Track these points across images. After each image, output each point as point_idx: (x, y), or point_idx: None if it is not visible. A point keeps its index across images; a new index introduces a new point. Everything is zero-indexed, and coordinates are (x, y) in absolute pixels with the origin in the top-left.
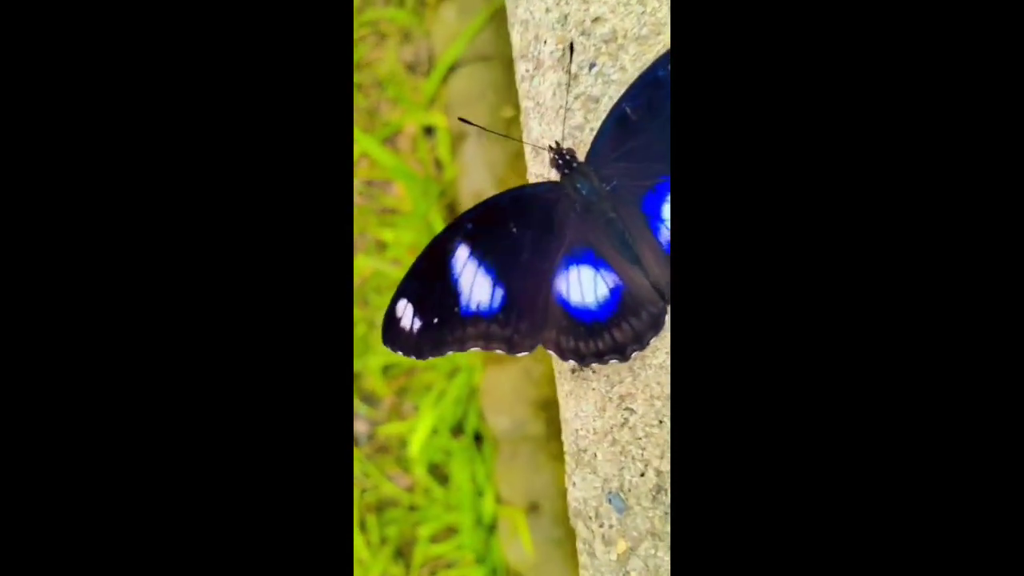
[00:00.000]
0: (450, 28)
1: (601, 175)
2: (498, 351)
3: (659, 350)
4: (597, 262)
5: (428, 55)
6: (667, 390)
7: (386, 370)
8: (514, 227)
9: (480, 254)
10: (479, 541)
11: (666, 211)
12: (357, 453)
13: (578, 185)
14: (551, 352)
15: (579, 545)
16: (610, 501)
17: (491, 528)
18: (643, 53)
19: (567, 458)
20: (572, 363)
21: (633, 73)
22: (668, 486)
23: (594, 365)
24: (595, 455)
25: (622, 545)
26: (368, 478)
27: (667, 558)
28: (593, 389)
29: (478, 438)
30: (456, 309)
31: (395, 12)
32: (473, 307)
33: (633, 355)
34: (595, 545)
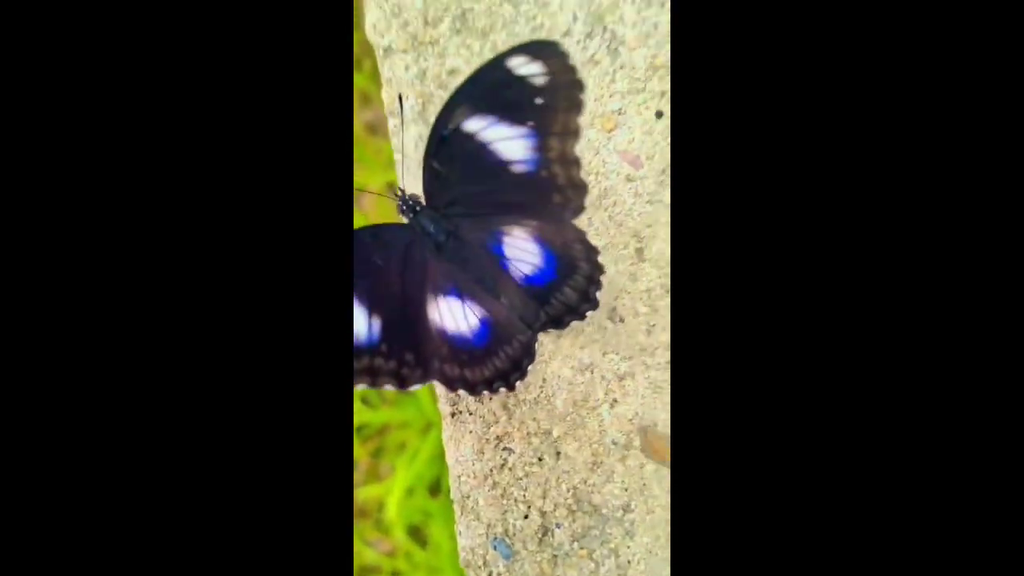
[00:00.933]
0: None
1: (445, 218)
2: (388, 387)
3: (531, 385)
4: (461, 295)
5: (387, 117)
6: (544, 425)
7: (359, 430)
8: (379, 260)
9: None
10: None
11: (508, 251)
12: None
13: (424, 224)
14: (438, 383)
15: None
16: (495, 547)
17: None
18: None
19: (454, 506)
20: (451, 407)
21: None
22: (553, 527)
23: (471, 406)
24: (477, 501)
25: None
26: None
27: None
28: (470, 432)
29: None
30: None
31: (354, 77)
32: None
33: (517, 384)
34: None
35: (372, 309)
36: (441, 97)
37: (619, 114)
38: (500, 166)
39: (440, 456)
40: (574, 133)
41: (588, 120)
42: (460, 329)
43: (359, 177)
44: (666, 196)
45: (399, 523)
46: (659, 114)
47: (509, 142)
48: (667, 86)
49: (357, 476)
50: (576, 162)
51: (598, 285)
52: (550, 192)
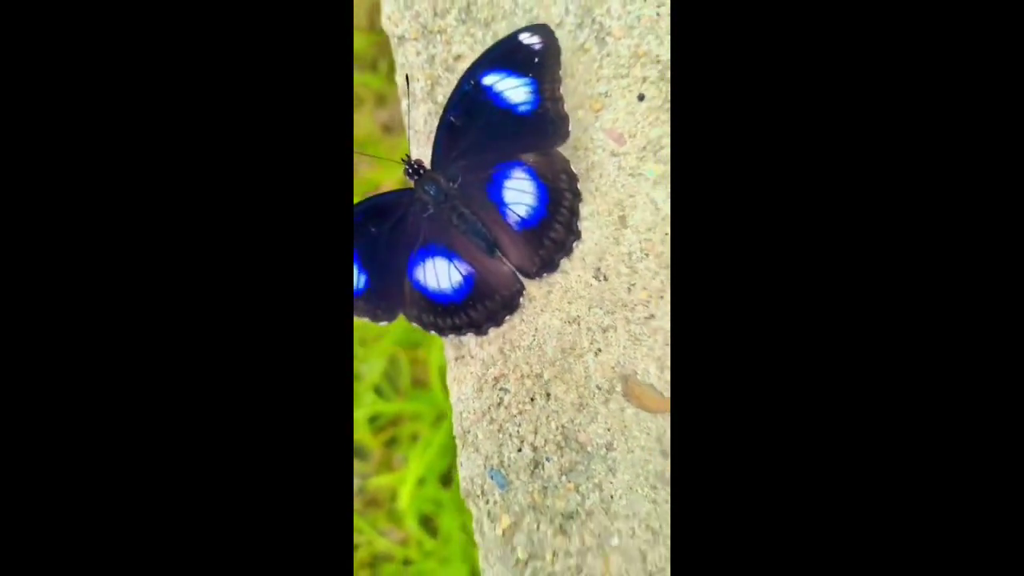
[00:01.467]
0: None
1: (447, 176)
2: (365, 319)
3: (525, 333)
4: (450, 255)
5: (402, 116)
6: (536, 369)
7: (372, 420)
8: (372, 228)
9: None
10: None
11: (507, 196)
12: None
13: (426, 188)
14: (415, 325)
15: (474, 525)
16: (492, 477)
17: None
18: None
19: (456, 441)
20: (455, 351)
21: None
22: (544, 460)
23: (472, 351)
24: (477, 435)
25: (506, 520)
26: (360, 534)
27: (549, 532)
28: (471, 373)
29: None
30: None
31: (370, 78)
32: None
33: (491, 331)
34: (483, 523)
35: (363, 267)
36: (448, 79)
37: (605, 97)
38: (508, 108)
39: (452, 447)
40: (559, 80)
41: (578, 102)
42: (441, 286)
43: (374, 174)
44: (646, 169)
45: (411, 513)
46: (641, 97)
47: (516, 89)
48: (648, 72)
49: (370, 467)
50: (561, 99)
51: (578, 215)
52: (545, 124)
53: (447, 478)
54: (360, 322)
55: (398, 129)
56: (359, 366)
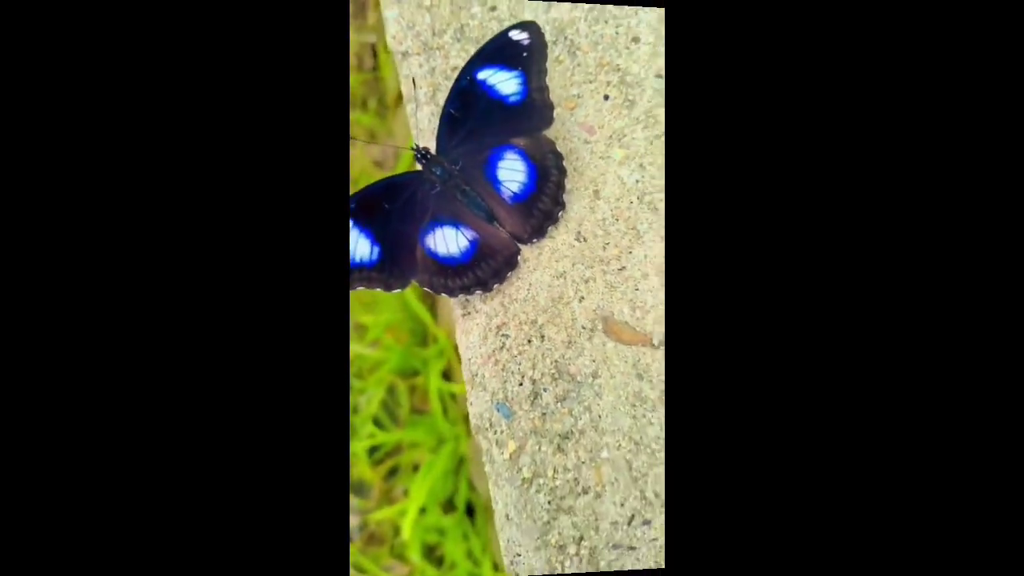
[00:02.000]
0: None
1: (450, 159)
2: (377, 289)
3: (521, 288)
4: (457, 224)
5: (393, 151)
6: (531, 316)
7: (372, 452)
8: (386, 204)
9: (361, 224)
10: None
11: (501, 174)
12: (350, 548)
13: (434, 170)
14: (427, 289)
15: (483, 458)
16: (498, 410)
17: None
18: None
19: (466, 385)
20: (462, 309)
21: None
22: (541, 391)
23: (477, 306)
24: (484, 375)
25: (512, 446)
26: (364, 573)
27: (549, 451)
28: (477, 324)
29: (471, 511)
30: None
31: (360, 116)
32: (358, 259)
33: (495, 287)
34: (492, 451)
35: (376, 240)
36: (446, 86)
37: (577, 98)
38: (500, 99)
39: (453, 472)
40: (544, 71)
41: (556, 102)
42: (450, 251)
43: None
44: (612, 153)
45: (414, 543)
46: (606, 97)
47: (507, 82)
48: (611, 78)
49: (370, 503)
50: (546, 89)
51: (564, 189)
52: (532, 111)
53: (450, 504)
54: (356, 354)
55: (389, 163)
56: (356, 398)
